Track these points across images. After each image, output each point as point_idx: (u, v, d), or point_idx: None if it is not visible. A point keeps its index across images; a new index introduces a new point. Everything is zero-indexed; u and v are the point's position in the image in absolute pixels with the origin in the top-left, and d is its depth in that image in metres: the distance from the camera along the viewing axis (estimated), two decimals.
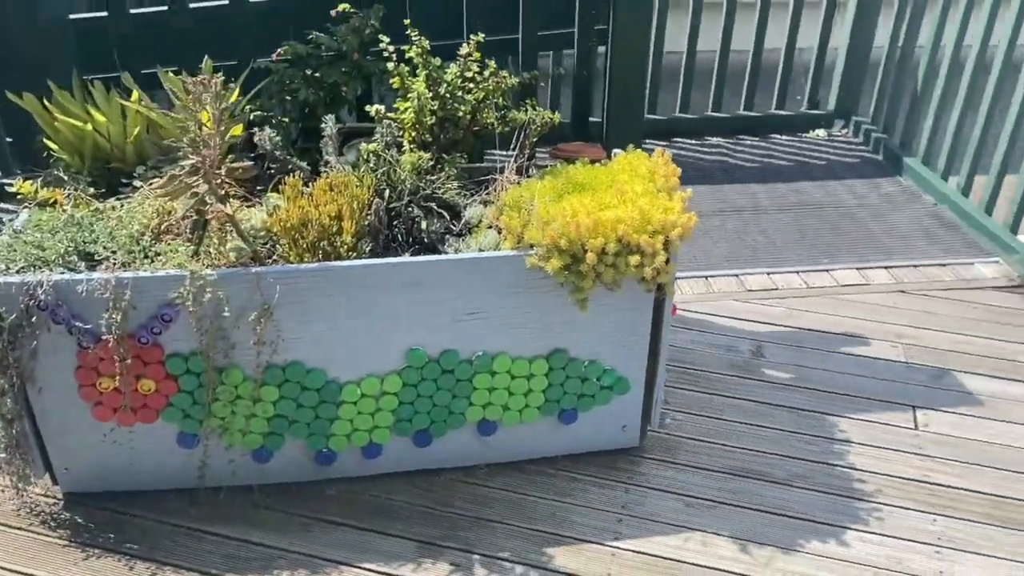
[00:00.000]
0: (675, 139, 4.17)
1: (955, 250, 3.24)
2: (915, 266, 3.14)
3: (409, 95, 2.21)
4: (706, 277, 3.11)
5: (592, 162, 2.34)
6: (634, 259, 1.99)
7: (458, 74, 2.25)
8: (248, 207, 2.13)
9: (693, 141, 4.18)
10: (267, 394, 2.01)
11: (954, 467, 2.26)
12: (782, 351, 2.71)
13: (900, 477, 2.23)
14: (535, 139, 2.29)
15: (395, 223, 2.08)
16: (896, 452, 2.31)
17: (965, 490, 2.18)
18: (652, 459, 2.28)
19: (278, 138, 2.19)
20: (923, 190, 3.64)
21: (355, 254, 1.96)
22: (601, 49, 2.63)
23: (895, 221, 3.46)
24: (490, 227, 2.11)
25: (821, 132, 4.23)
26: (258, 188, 2.22)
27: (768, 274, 3.12)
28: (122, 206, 2.08)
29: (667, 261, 2.04)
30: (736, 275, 3.12)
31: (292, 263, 1.95)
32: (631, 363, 2.19)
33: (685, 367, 2.64)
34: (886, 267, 3.14)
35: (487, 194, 2.20)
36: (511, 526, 2.08)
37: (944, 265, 3.14)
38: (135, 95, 2.26)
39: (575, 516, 2.11)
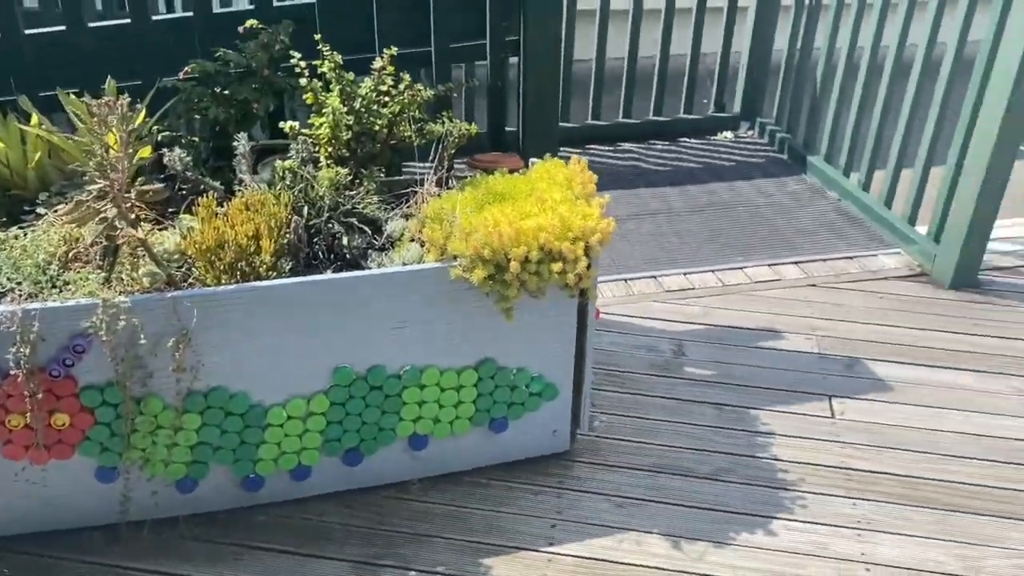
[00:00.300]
0: (589, 146, 4.24)
1: (860, 243, 3.39)
2: (823, 260, 3.27)
3: (324, 110, 2.18)
4: (626, 280, 3.17)
5: (510, 171, 2.36)
6: (557, 266, 2.01)
7: (372, 88, 2.23)
8: (161, 230, 2.07)
9: (606, 147, 4.26)
10: (189, 422, 1.96)
11: (869, 452, 2.36)
12: (702, 349, 2.78)
13: (820, 465, 2.32)
14: (453, 151, 2.30)
15: (315, 240, 2.05)
16: (815, 441, 2.40)
17: (881, 473, 2.28)
18: (583, 462, 2.31)
19: (189, 158, 2.13)
20: (827, 186, 3.79)
21: (275, 273, 1.93)
22: (514, 60, 2.66)
23: (802, 217, 3.59)
24: (413, 240, 2.10)
25: (728, 134, 4.37)
26: (170, 210, 2.16)
27: (685, 274, 3.20)
28: (25, 235, 1.99)
29: (588, 266, 2.07)
30: (654, 276, 3.19)
31: (209, 286, 1.90)
32: (559, 369, 2.21)
33: (610, 369, 2.68)
34: (796, 262, 3.26)
35: (408, 207, 2.19)
36: (447, 539, 2.07)
37: (850, 258, 3.28)
38: (34, 119, 2.17)
39: (511, 524, 2.12)
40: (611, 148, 4.26)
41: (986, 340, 2.80)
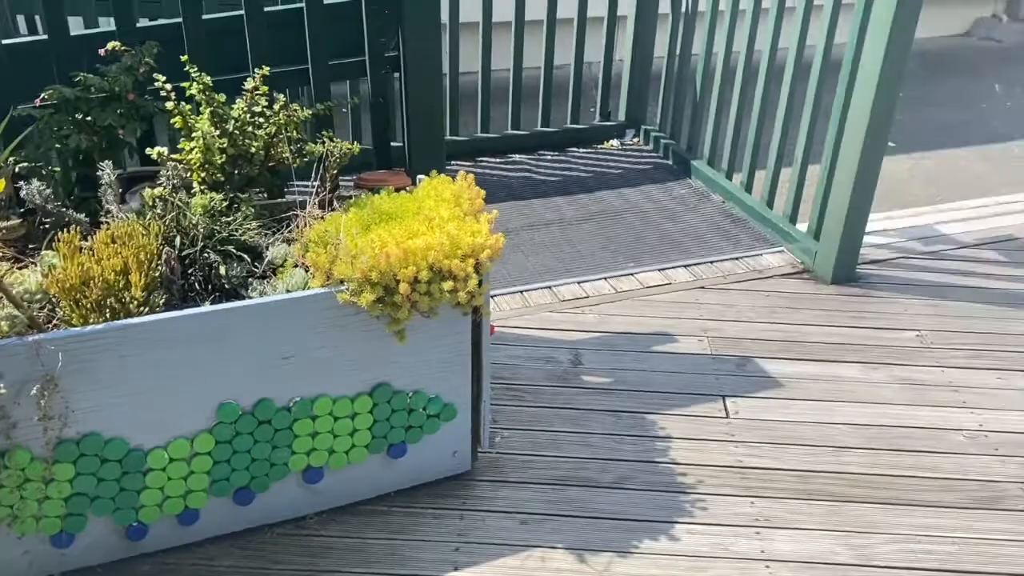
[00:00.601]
0: (480, 159, 4.23)
1: (745, 244, 3.49)
2: (711, 262, 3.35)
3: (193, 134, 2.09)
4: (522, 292, 3.16)
5: (397, 190, 2.31)
6: (447, 285, 1.98)
7: (245, 109, 2.15)
8: (20, 269, 1.93)
9: (498, 160, 4.25)
10: (61, 473, 1.83)
11: (764, 449, 2.41)
12: (598, 357, 2.79)
13: (717, 466, 2.36)
14: (335, 171, 2.24)
15: (190, 271, 1.95)
16: (712, 442, 2.44)
17: (775, 470, 2.34)
18: (485, 481, 2.28)
19: (48, 190, 2.00)
20: (711, 190, 3.89)
21: (147, 309, 1.82)
22: (396, 75, 2.62)
23: (689, 221, 3.67)
24: (296, 266, 2.03)
25: (615, 142, 4.43)
26: (31, 247, 2.02)
27: (579, 283, 3.22)
28: None
29: (480, 283, 2.05)
30: (549, 287, 3.19)
31: (76, 326, 1.78)
32: (456, 388, 2.18)
33: (509, 383, 2.66)
34: (686, 266, 3.32)
35: (290, 232, 2.12)
36: (348, 572, 2.00)
37: (737, 259, 3.37)
38: None
39: (413, 552, 2.06)
40: (502, 160, 4.25)
41: (867, 332, 2.92)
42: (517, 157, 4.28)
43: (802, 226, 3.41)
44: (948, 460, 2.37)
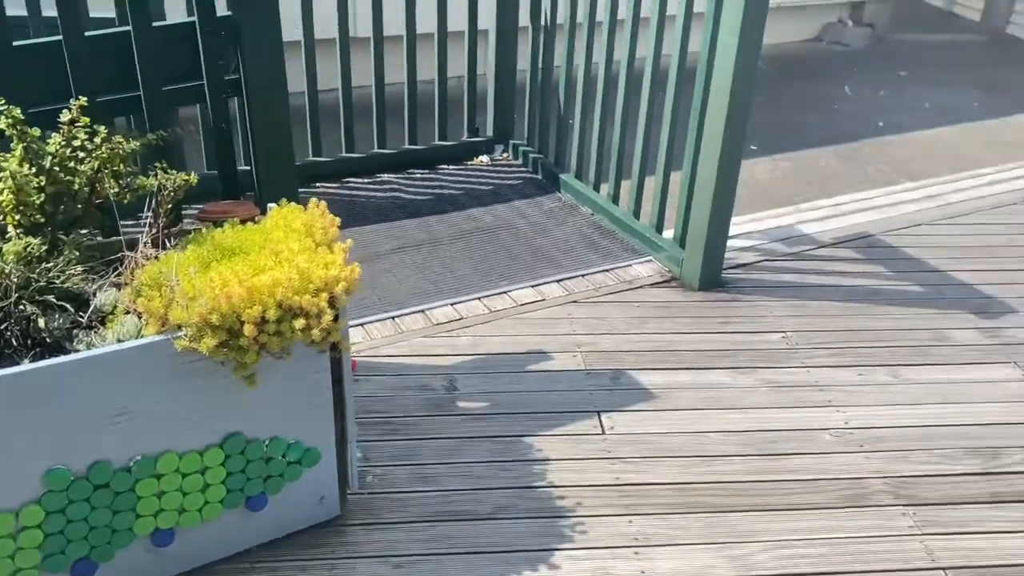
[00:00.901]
0: (347, 180, 4.09)
1: (615, 255, 3.50)
2: (583, 275, 3.33)
3: (1, 175, 1.89)
4: (393, 318, 3.05)
5: (243, 221, 2.17)
6: (299, 323, 1.86)
7: (64, 144, 1.97)
8: None
9: (366, 180, 4.13)
10: None
11: (640, 464, 2.39)
12: (474, 380, 2.72)
13: (595, 485, 2.32)
14: (170, 204, 2.08)
15: (4, 327, 1.76)
16: (589, 461, 2.40)
17: (652, 484, 2.32)
18: (356, 524, 2.16)
19: None
20: (581, 202, 3.89)
21: None
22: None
23: (560, 235, 3.66)
24: (128, 312, 1.86)
25: (484, 158, 4.39)
26: None
27: (452, 305, 3.14)
28: None
29: (336, 318, 1.94)
30: (422, 311, 3.10)
31: None
32: (318, 430, 2.05)
33: (382, 416, 2.55)
34: (558, 280, 3.30)
35: (119, 275, 1.95)
36: None
37: (607, 270, 3.37)
38: None
39: None
40: (370, 180, 4.13)
41: (735, 337, 2.97)
42: (386, 177, 4.17)
43: (669, 234, 3.44)
44: (817, 461, 2.41)
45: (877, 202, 4.19)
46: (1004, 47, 8.10)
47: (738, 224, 3.88)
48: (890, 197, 4.25)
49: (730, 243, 3.46)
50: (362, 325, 2.99)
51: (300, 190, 3.95)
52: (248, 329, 1.80)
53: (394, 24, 4.01)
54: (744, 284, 3.29)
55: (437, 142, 4.31)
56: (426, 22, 4.05)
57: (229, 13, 2.36)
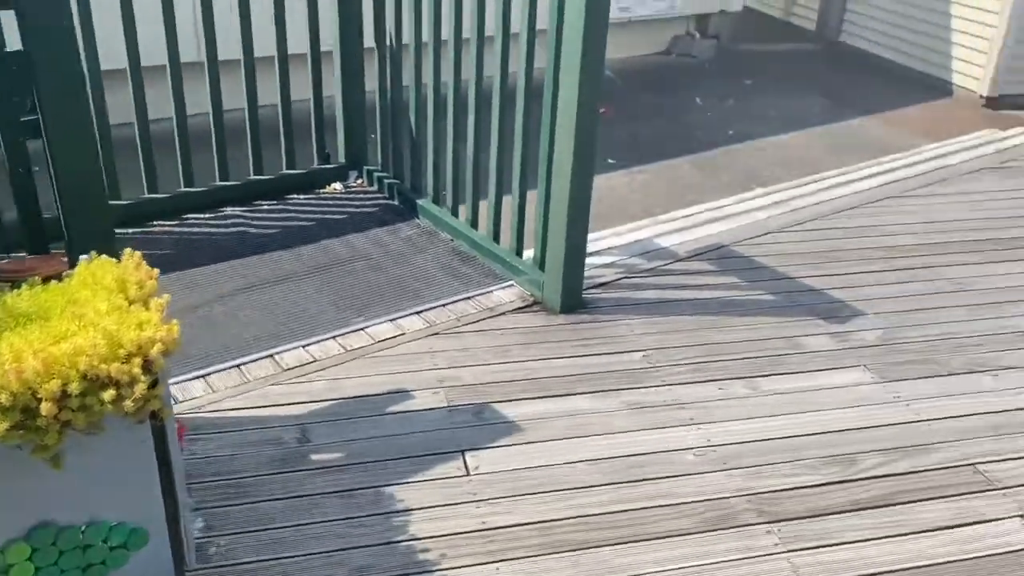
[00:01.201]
0: (187, 216, 3.83)
1: (475, 281, 3.40)
2: (444, 305, 3.22)
3: None
4: (239, 366, 2.84)
5: (47, 280, 1.95)
6: (108, 394, 1.67)
7: None
8: None
9: (208, 215, 3.88)
10: None
11: (505, 504, 2.29)
12: (328, 429, 2.55)
13: (461, 533, 2.20)
14: None
15: None
16: (454, 507, 2.28)
17: (517, 526, 2.23)
18: None
19: None
20: (439, 228, 3.78)
21: None
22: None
23: (419, 264, 3.53)
24: None
25: (338, 186, 4.21)
26: None
27: (304, 347, 2.96)
28: None
29: (154, 383, 1.75)
30: (271, 355, 2.90)
31: None
32: (144, 508, 1.85)
33: (226, 478, 2.35)
34: (418, 312, 3.17)
35: None
36: None
37: (469, 298, 3.27)
38: None
39: None
40: (213, 215, 3.88)
41: (597, 359, 2.92)
42: (229, 210, 3.93)
43: (530, 254, 3.38)
44: (681, 484, 2.38)
45: (730, 210, 4.28)
46: (838, 54, 8.58)
47: (599, 240, 3.88)
48: (742, 205, 4.35)
49: (591, 260, 3.44)
50: (203, 377, 2.77)
51: (133, 231, 3.72)
52: (46, 407, 1.59)
53: (230, 47, 3.79)
54: (605, 304, 3.26)
55: (285, 171, 4.11)
56: (265, 44, 3.85)
57: (20, 48, 2.12)
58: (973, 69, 7.74)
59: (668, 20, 7.91)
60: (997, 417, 2.69)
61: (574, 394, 2.74)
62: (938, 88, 7.83)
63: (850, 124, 6.45)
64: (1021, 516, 2.29)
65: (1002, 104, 7.58)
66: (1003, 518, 2.28)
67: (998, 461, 2.49)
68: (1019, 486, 2.39)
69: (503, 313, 3.18)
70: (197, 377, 2.76)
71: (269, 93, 3.95)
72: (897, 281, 3.50)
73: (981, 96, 7.67)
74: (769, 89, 7.18)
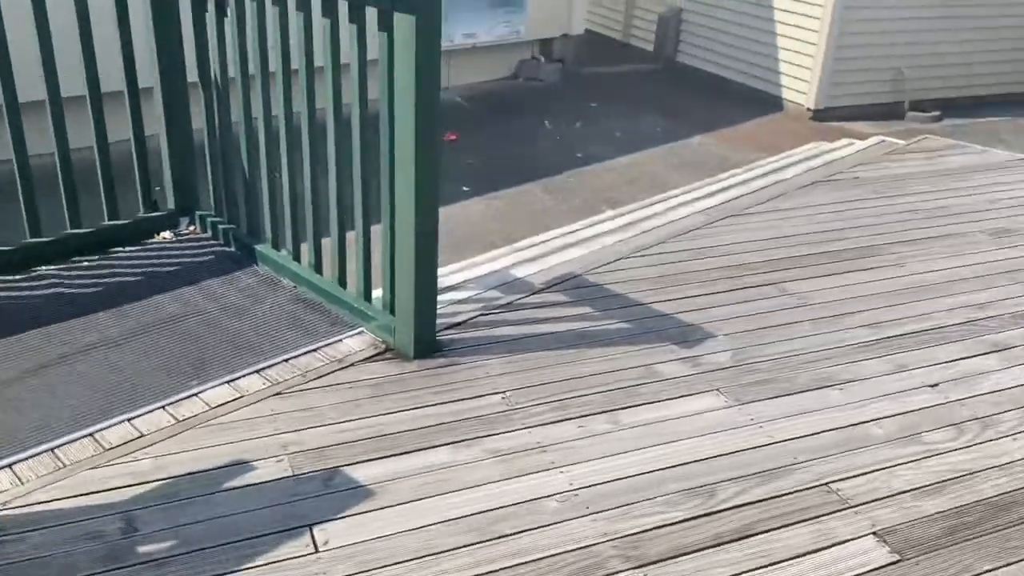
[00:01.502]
0: None
1: (322, 331, 3.20)
2: (287, 360, 3.00)
3: None
4: (53, 450, 2.53)
5: None
6: None
7: None
8: None
9: (18, 277, 3.48)
10: None
11: None
12: (158, 515, 2.29)
13: None
14: None
15: None
16: None
17: None
18: None
19: None
20: (280, 275, 3.55)
21: None
22: None
23: (259, 316, 3.29)
24: None
25: (168, 234, 3.90)
26: None
27: (129, 420, 2.67)
28: None
29: None
30: (91, 434, 2.60)
31: None
32: None
33: None
34: (258, 370, 2.93)
35: None
36: None
37: (314, 350, 3.06)
38: None
39: None
40: (24, 276, 3.50)
41: (454, 407, 2.78)
42: (44, 270, 3.55)
43: (379, 296, 3.20)
44: (545, 535, 2.27)
45: (582, 235, 4.27)
46: (676, 74, 8.88)
47: (454, 273, 3.77)
48: (593, 228, 4.35)
49: (446, 296, 3.32)
50: (10, 467, 2.45)
51: None
52: None
53: (33, 88, 3.42)
54: (460, 345, 3.13)
55: (107, 222, 3.76)
56: (73, 83, 3.51)
57: None
58: (800, 84, 8.19)
59: (514, 45, 7.94)
60: (843, 433, 2.74)
61: (430, 447, 2.59)
62: (770, 103, 8.22)
63: (690, 142, 6.64)
64: (874, 533, 2.31)
65: (827, 116, 8.05)
66: (858, 537, 2.30)
67: (849, 478, 2.52)
68: (870, 502, 2.43)
69: (352, 364, 2.99)
70: (2, 468, 2.44)
71: (83, 135, 3.61)
72: (744, 300, 3.55)
73: (808, 109, 8.13)
74: (613, 111, 7.31)
